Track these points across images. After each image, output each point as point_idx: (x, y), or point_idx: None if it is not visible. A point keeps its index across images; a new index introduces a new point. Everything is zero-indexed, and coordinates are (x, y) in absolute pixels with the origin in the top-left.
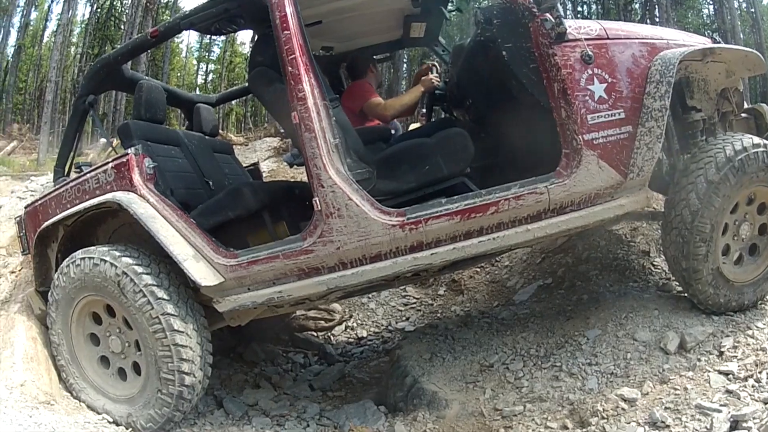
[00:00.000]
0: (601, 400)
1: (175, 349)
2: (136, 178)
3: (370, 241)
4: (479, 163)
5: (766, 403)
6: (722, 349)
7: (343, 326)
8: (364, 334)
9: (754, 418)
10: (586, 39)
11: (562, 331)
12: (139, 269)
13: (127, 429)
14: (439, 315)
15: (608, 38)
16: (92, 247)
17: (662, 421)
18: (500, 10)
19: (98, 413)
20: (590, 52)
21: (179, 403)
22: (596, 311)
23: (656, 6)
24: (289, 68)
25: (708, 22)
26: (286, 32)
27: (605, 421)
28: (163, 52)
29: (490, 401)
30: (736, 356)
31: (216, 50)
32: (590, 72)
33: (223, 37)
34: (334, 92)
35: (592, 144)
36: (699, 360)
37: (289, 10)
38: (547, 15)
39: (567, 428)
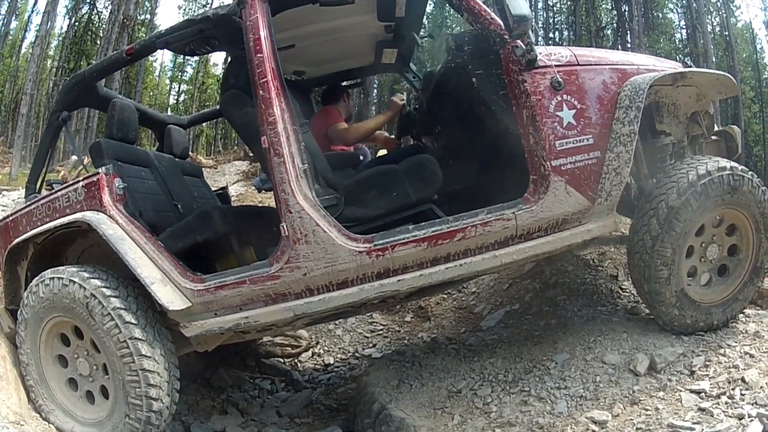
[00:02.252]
0: (571, 423)
1: (142, 374)
2: (106, 198)
3: (337, 268)
4: (448, 189)
5: (740, 419)
6: (693, 369)
7: (309, 353)
8: (331, 360)
9: None
10: (556, 65)
11: (530, 356)
12: (108, 292)
13: None
14: (406, 342)
15: (578, 64)
16: (62, 267)
17: None
18: (472, 37)
19: None
20: (560, 79)
21: (147, 428)
22: (564, 336)
23: (628, 32)
24: (261, 92)
25: (681, 46)
26: (259, 55)
27: None
28: (137, 71)
29: (458, 427)
30: (708, 374)
31: (189, 70)
32: (559, 98)
33: (196, 58)
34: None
35: (560, 170)
36: (670, 380)
37: (263, 33)
38: (518, 42)
39: None
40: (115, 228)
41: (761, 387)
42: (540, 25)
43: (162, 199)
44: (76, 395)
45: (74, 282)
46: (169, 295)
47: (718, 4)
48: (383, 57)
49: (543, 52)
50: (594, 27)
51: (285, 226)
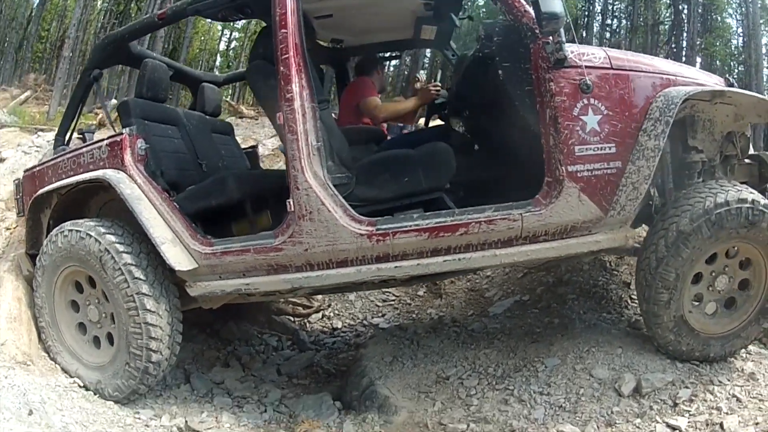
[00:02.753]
0: (532, 426)
1: (145, 327)
2: (128, 158)
3: (338, 247)
4: (467, 177)
5: None
6: (677, 401)
7: (320, 314)
8: (339, 325)
9: None
10: (587, 67)
11: (524, 353)
12: (121, 248)
13: (95, 394)
14: (414, 315)
15: (612, 68)
16: (80, 220)
17: None
18: (503, 28)
19: (71, 376)
20: (589, 81)
21: (145, 377)
22: (562, 338)
23: (684, 32)
24: (282, 68)
25: (736, 53)
26: (283, 30)
27: None
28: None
29: (437, 414)
30: (690, 411)
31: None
32: (586, 102)
33: None
34: (340, 86)
35: (576, 176)
36: (651, 407)
37: (290, 6)
38: (549, 38)
39: None
40: (134, 188)
41: None
42: (598, 10)
43: (187, 157)
44: (84, 339)
45: (91, 236)
46: (178, 256)
47: None
48: (422, 33)
49: (576, 51)
50: (651, 20)
51: (292, 202)
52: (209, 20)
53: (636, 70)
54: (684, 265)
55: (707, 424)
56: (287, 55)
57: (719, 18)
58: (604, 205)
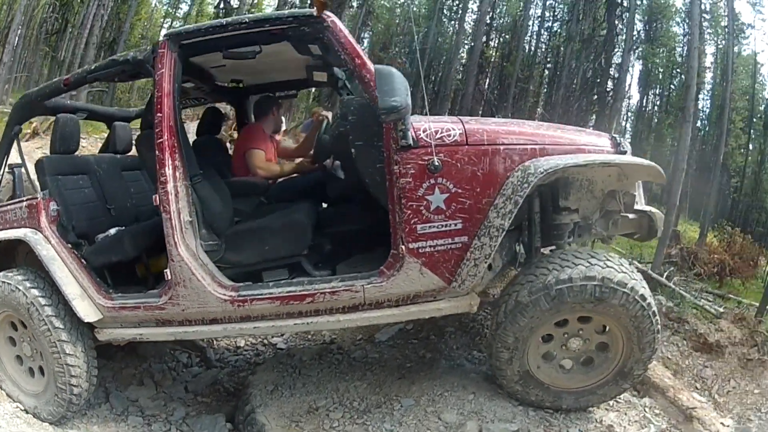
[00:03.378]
0: None
1: (67, 367)
2: (43, 220)
3: (207, 309)
4: (340, 226)
5: None
6: None
7: None
8: (242, 343)
9: None
10: (439, 146)
11: (388, 389)
12: (43, 301)
13: (34, 417)
14: (309, 336)
15: (467, 144)
16: (10, 273)
17: None
18: (358, 106)
19: (14, 401)
20: (437, 162)
21: (70, 406)
22: (423, 377)
23: (615, 45)
24: (157, 151)
25: (681, 60)
26: (159, 114)
27: None
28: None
29: None
30: None
31: (184, 7)
32: (433, 182)
33: None
34: (240, 124)
35: (417, 252)
36: None
37: (166, 88)
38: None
39: None
40: (48, 248)
41: None
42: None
43: (97, 205)
44: (21, 369)
45: (19, 289)
46: (86, 309)
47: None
48: (314, 77)
49: (430, 130)
50: (587, 32)
51: (169, 271)
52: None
53: (495, 144)
54: (522, 331)
55: None
56: (162, 139)
57: (663, 26)
58: (447, 277)
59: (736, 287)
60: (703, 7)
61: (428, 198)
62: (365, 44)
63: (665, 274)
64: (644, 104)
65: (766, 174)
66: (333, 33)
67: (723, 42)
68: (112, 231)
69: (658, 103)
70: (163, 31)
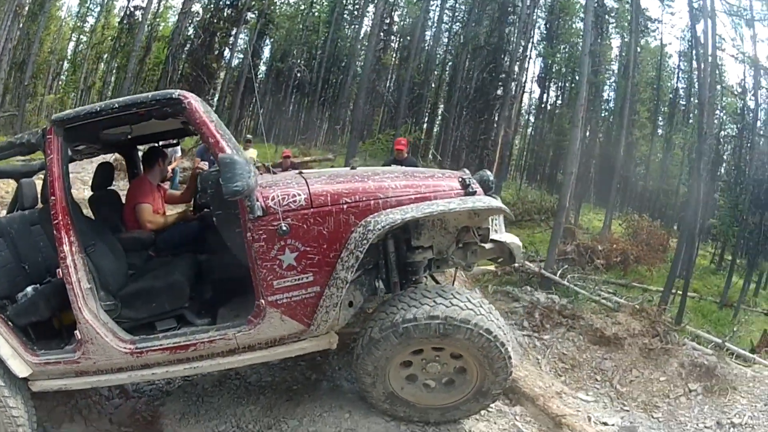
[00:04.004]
0: None
1: (12, 418)
2: None
3: (113, 361)
4: (219, 274)
5: None
6: None
7: None
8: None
9: None
10: (285, 212)
11: (277, 411)
12: None
13: None
14: None
15: (312, 207)
16: None
17: None
18: (215, 180)
19: None
20: (285, 226)
21: None
22: (308, 398)
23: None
24: (55, 231)
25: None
26: (53, 198)
27: None
28: (38, 22)
29: None
30: None
31: (91, 20)
32: (283, 243)
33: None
34: (130, 173)
35: (276, 303)
36: None
37: (56, 171)
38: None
39: None
40: None
41: None
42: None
43: (13, 266)
44: None
45: None
46: (19, 366)
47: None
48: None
49: (278, 198)
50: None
51: (78, 331)
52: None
53: (338, 204)
54: (379, 361)
55: None
56: (57, 220)
57: (566, 23)
58: (306, 321)
59: (643, 274)
60: (607, 4)
61: (280, 257)
62: (266, 53)
63: (558, 272)
64: (544, 100)
65: (671, 160)
66: (190, 114)
67: (628, 36)
68: (29, 290)
69: (559, 98)
70: (71, 45)
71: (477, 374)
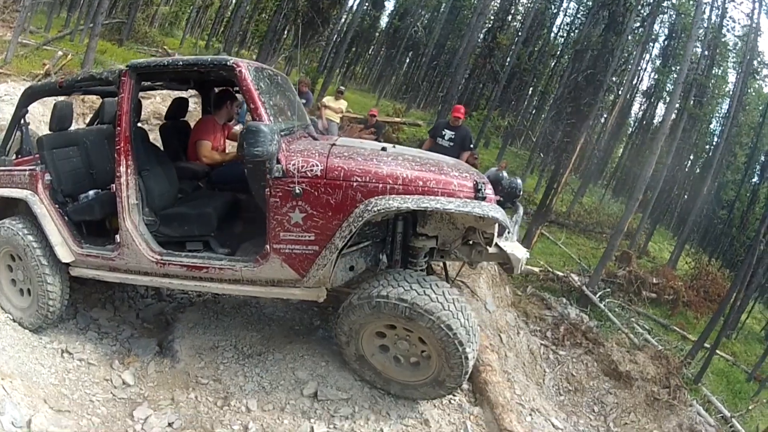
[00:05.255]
0: (238, 399)
1: (47, 292)
2: (39, 187)
3: (141, 265)
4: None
5: None
6: (333, 414)
7: None
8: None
9: None
10: (302, 178)
11: (272, 343)
12: (35, 244)
13: (19, 326)
14: None
15: (326, 179)
16: (14, 221)
17: (250, 429)
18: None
19: (5, 312)
20: (299, 190)
21: (46, 320)
22: (301, 340)
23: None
24: (115, 154)
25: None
26: (118, 128)
27: (227, 409)
28: None
29: (198, 370)
30: (336, 424)
31: None
32: (294, 203)
33: None
34: (206, 108)
35: (279, 251)
36: (315, 411)
37: (125, 108)
38: None
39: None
40: (42, 208)
41: None
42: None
43: (81, 171)
44: (15, 289)
45: (19, 234)
46: (64, 253)
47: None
48: None
49: (298, 164)
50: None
51: (120, 235)
52: None
53: (349, 180)
54: (354, 324)
55: None
56: (119, 146)
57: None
58: (302, 273)
59: (689, 321)
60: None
61: (290, 215)
62: (388, 8)
63: (599, 294)
64: (647, 117)
65: (753, 214)
66: (240, 81)
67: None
68: (91, 193)
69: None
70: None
71: (435, 362)
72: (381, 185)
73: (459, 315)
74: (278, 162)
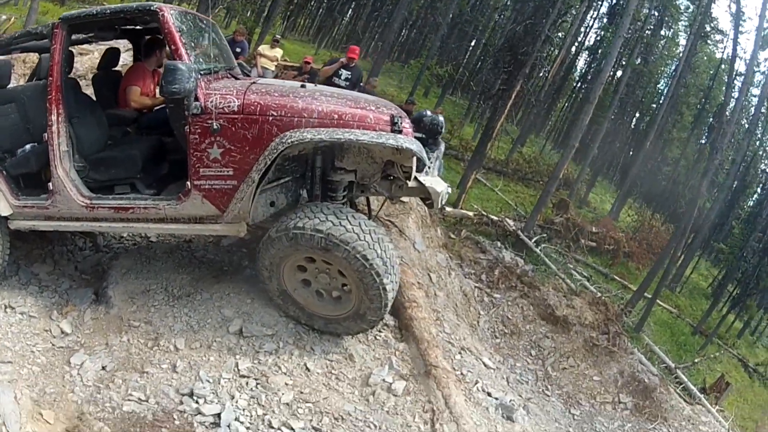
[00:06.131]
0: (168, 338)
1: None
2: None
3: (73, 211)
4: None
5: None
6: (260, 349)
7: None
8: (125, 234)
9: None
10: (219, 113)
11: (201, 284)
12: None
13: None
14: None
15: (242, 114)
16: None
17: (178, 367)
18: None
19: None
20: (216, 126)
21: None
22: (228, 279)
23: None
24: (47, 103)
25: None
26: (50, 78)
27: (157, 349)
28: None
29: (131, 313)
30: (262, 359)
31: None
32: (212, 139)
33: None
34: (137, 56)
35: (200, 187)
36: (241, 347)
37: (57, 58)
38: None
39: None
40: None
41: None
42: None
43: (19, 126)
44: None
45: None
46: (2, 206)
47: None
48: None
49: (216, 100)
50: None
51: (52, 183)
52: None
53: (265, 115)
54: (273, 258)
55: (263, 375)
56: (51, 96)
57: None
58: (222, 208)
59: (631, 271)
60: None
61: (209, 150)
62: None
63: (534, 238)
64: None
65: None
66: (162, 24)
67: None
68: (28, 147)
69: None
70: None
71: (356, 296)
72: (297, 119)
73: (375, 246)
74: (197, 99)
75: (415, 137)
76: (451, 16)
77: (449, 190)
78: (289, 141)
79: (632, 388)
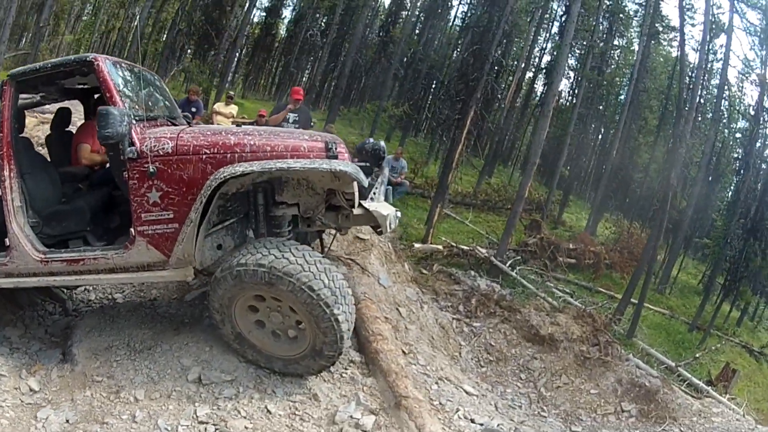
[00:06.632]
0: (128, 391)
1: None
2: None
3: (29, 267)
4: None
5: None
6: (220, 396)
7: (82, 287)
8: (93, 297)
9: None
10: (154, 157)
11: (161, 337)
12: None
13: None
14: (142, 293)
15: (176, 155)
16: None
17: (137, 417)
18: None
19: None
20: (153, 169)
21: None
22: (187, 331)
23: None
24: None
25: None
26: (1, 134)
27: (118, 401)
28: None
29: (94, 369)
30: (221, 405)
31: None
32: (150, 183)
33: None
34: (88, 115)
35: (143, 233)
36: (200, 395)
37: (6, 114)
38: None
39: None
40: None
41: None
42: None
43: None
44: None
45: None
46: None
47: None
48: None
49: (151, 144)
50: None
51: (8, 239)
52: None
53: (198, 154)
54: (222, 299)
55: (221, 420)
56: (2, 152)
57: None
58: (167, 253)
59: (616, 282)
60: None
61: (148, 195)
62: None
63: (509, 262)
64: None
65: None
66: (98, 74)
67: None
68: None
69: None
70: None
71: (309, 332)
72: (230, 155)
73: (321, 276)
74: (132, 144)
75: (360, 166)
76: (405, 58)
77: (398, 213)
78: (222, 176)
79: (634, 395)
